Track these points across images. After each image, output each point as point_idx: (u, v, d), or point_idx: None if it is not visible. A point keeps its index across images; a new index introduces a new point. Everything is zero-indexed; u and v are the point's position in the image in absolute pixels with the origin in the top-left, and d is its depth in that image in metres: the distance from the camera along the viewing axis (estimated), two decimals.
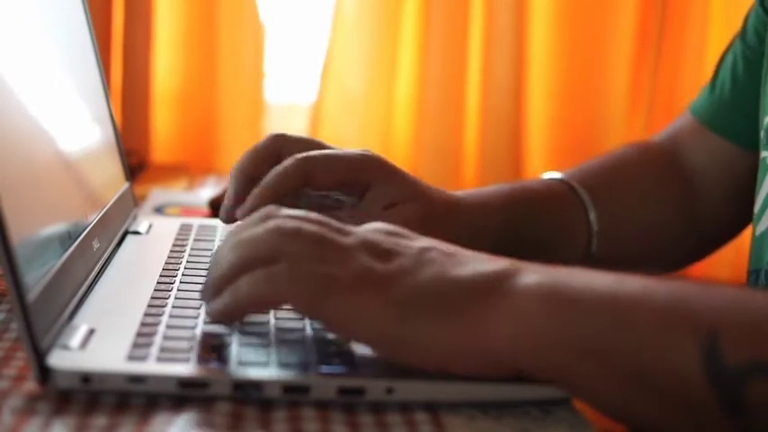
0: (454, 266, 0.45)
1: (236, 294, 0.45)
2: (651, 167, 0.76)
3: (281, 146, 0.61)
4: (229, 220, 0.60)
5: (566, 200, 0.70)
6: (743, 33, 0.73)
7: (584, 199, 0.70)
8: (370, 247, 0.46)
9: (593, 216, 0.69)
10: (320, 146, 0.61)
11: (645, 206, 0.74)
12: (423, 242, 0.48)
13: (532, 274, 0.45)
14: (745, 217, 0.75)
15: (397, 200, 0.60)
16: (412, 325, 0.43)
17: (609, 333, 0.42)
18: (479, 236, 0.62)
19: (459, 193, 0.65)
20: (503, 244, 0.63)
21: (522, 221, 0.66)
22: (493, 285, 0.44)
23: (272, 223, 0.47)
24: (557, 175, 0.72)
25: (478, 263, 0.46)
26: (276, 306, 0.47)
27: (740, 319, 0.41)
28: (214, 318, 0.46)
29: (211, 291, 0.46)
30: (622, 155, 0.77)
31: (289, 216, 0.47)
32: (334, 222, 0.48)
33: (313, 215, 0.48)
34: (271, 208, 0.49)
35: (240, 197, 0.59)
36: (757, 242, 0.63)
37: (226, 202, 0.61)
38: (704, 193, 0.75)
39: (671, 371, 0.40)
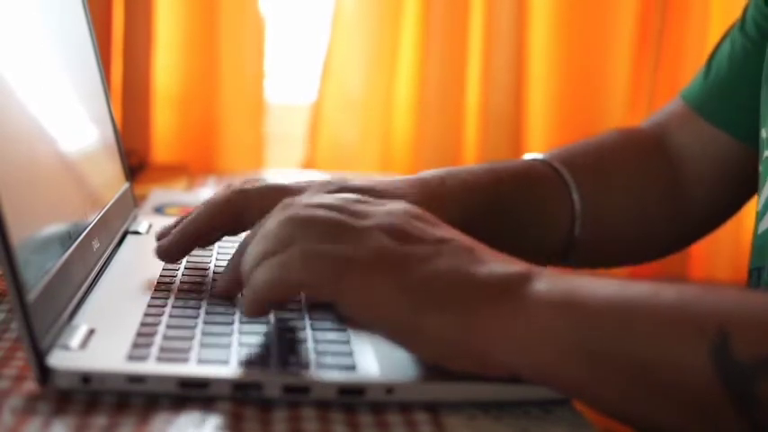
0: (471, 263, 0.45)
1: (254, 286, 0.45)
2: (636, 152, 0.75)
3: (242, 206, 0.57)
4: (165, 258, 0.59)
5: (548, 179, 0.69)
6: (742, 24, 0.73)
7: (566, 179, 0.69)
8: (388, 230, 0.46)
9: (576, 196, 0.68)
10: (283, 191, 0.57)
11: (628, 190, 0.73)
12: (444, 232, 0.47)
13: (545, 281, 0.45)
14: (731, 205, 0.74)
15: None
16: (421, 317, 0.43)
17: (616, 336, 0.42)
18: (464, 215, 0.61)
19: (442, 171, 0.64)
20: (486, 223, 0.62)
21: (504, 200, 0.65)
22: (506, 288, 0.44)
23: (285, 213, 0.47)
24: (538, 155, 0.71)
25: (495, 263, 0.46)
26: (294, 291, 0.47)
27: (749, 317, 0.41)
28: (246, 314, 0.46)
29: (229, 285, 0.50)
30: (605, 139, 0.76)
31: (305, 204, 0.47)
32: (352, 206, 0.47)
33: (331, 200, 0.48)
34: (290, 198, 0.49)
35: (180, 253, 0.58)
36: (760, 240, 0.63)
37: (160, 245, 0.59)
38: (691, 180, 0.74)
39: (681, 371, 0.40)
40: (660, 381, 0.41)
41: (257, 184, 0.59)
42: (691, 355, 0.40)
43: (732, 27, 0.74)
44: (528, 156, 0.71)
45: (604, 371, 0.42)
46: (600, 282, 0.44)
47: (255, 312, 0.46)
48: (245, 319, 0.50)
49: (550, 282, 0.44)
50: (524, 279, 0.45)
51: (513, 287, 0.44)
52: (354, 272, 0.44)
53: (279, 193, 0.57)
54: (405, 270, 0.44)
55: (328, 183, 0.58)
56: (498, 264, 0.46)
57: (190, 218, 0.59)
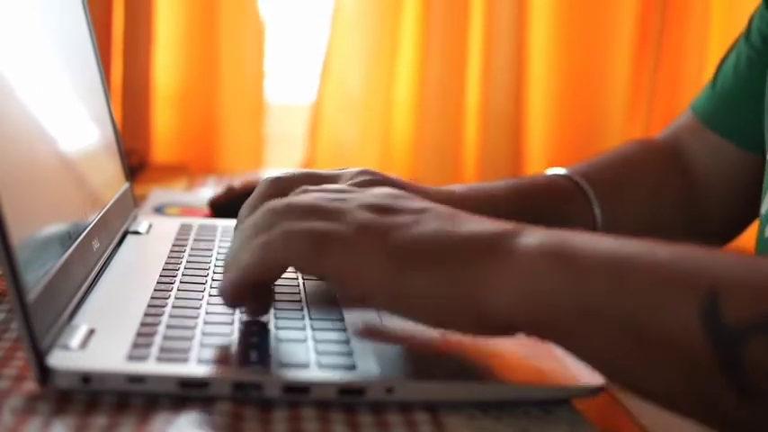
0: (456, 224, 0.46)
1: (238, 266, 0.46)
2: (653, 165, 0.76)
3: (281, 189, 0.57)
4: None
5: (570, 195, 0.70)
6: (747, 34, 0.74)
7: (588, 194, 0.70)
8: (369, 206, 0.47)
9: (597, 211, 0.69)
10: (318, 178, 0.58)
11: (646, 204, 0.74)
12: (424, 203, 0.48)
13: (535, 234, 0.45)
14: (745, 216, 0.75)
15: None
16: (411, 277, 0.43)
17: (607, 290, 0.42)
18: None
19: (465, 187, 0.65)
20: None
21: (527, 215, 0.66)
22: (494, 242, 0.44)
23: (266, 206, 0.47)
24: (560, 170, 0.72)
25: (481, 223, 0.46)
26: (277, 272, 0.47)
27: (741, 279, 0.40)
28: (222, 295, 0.47)
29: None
30: (625, 152, 0.77)
31: (285, 198, 0.49)
32: (331, 193, 0.48)
33: (309, 191, 0.49)
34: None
35: None
36: (764, 243, 0.63)
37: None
38: (704, 192, 0.75)
39: (669, 328, 0.40)
40: (648, 338, 0.40)
41: (290, 173, 0.59)
42: (682, 315, 0.40)
43: (738, 39, 0.75)
44: (550, 170, 0.72)
45: (594, 324, 0.42)
46: (595, 238, 0.45)
47: (237, 295, 0.47)
48: (245, 319, 0.50)
49: (541, 236, 0.45)
50: (513, 234, 0.45)
51: (501, 241, 0.44)
52: (337, 244, 0.44)
53: (310, 177, 0.58)
54: (388, 237, 0.45)
55: (362, 172, 0.58)
56: (484, 223, 0.46)
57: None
